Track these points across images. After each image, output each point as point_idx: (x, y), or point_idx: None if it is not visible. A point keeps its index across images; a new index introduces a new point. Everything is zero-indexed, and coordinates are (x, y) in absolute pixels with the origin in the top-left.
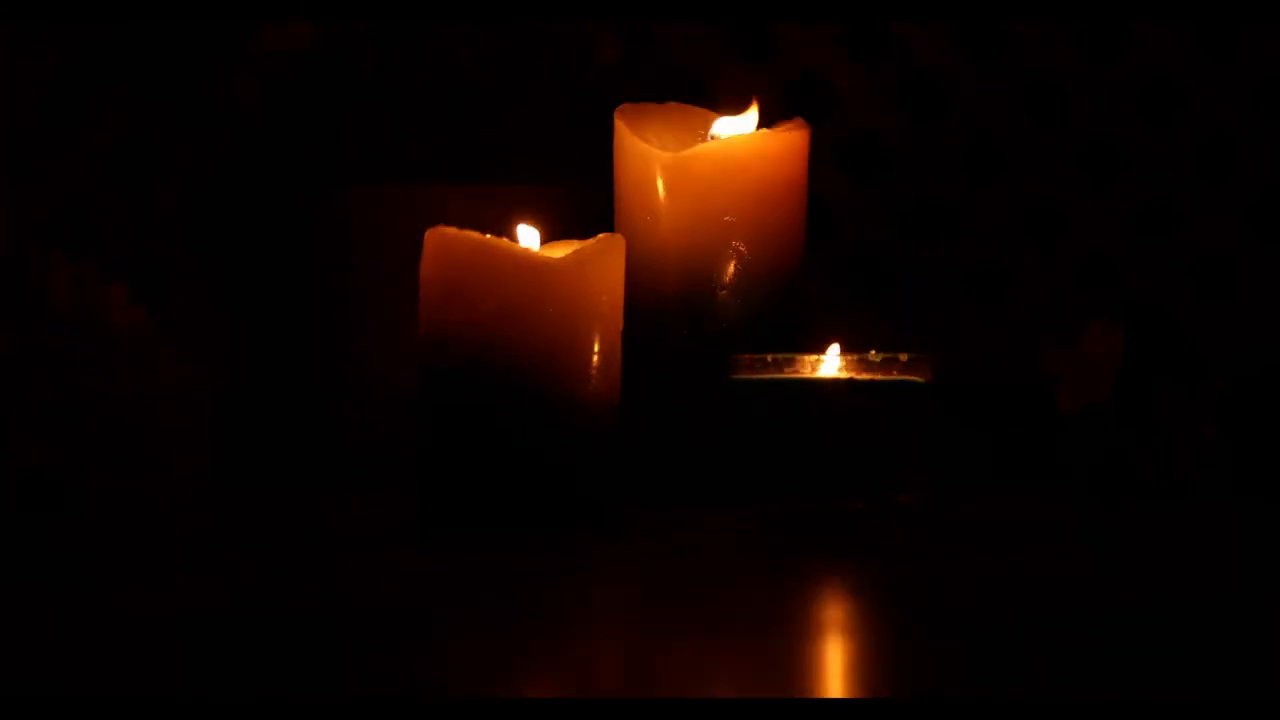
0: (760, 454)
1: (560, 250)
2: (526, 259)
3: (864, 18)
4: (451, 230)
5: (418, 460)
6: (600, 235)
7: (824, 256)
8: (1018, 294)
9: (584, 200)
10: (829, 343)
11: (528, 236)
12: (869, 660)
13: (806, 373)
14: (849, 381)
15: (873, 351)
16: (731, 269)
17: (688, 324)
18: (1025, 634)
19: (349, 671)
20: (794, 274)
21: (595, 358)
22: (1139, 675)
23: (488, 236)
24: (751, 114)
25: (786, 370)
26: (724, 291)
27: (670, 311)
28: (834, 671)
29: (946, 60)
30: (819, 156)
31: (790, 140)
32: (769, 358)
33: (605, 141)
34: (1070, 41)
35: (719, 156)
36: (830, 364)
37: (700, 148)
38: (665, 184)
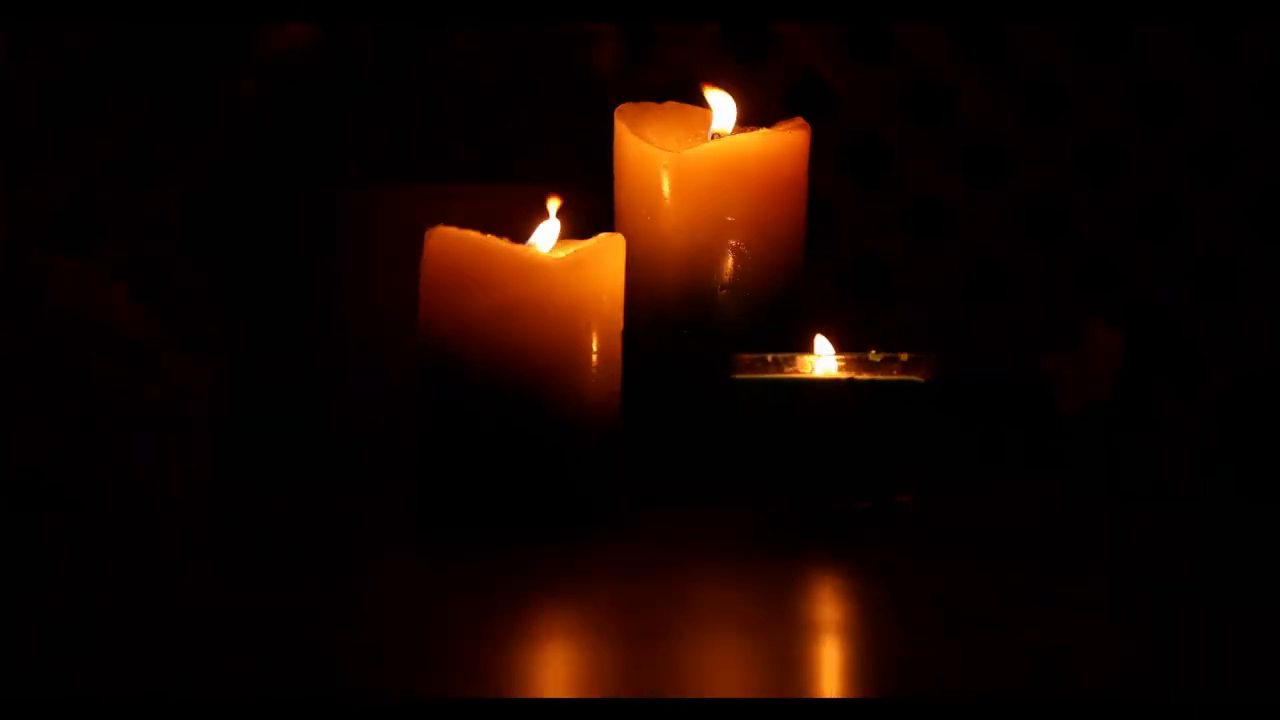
0: (760, 454)
1: (560, 250)
2: (526, 259)
3: (864, 18)
4: (451, 230)
5: (417, 460)
6: (600, 235)
7: (824, 256)
8: (1018, 294)
9: (584, 200)
10: (824, 338)
11: (551, 222)
12: (869, 660)
13: (806, 373)
14: (849, 381)
15: (873, 351)
16: (731, 269)
17: (688, 324)
18: (1024, 634)
19: (349, 671)
20: (794, 274)
21: (595, 358)
22: (1139, 675)
23: (488, 236)
24: (724, 109)
25: (787, 370)
26: (724, 291)
27: (670, 311)
28: (834, 671)
29: (947, 60)
30: (819, 156)
31: (790, 140)
32: (769, 358)
33: (605, 141)
34: (1070, 41)
35: (719, 156)
36: (823, 357)
37: (700, 148)
38: (666, 184)
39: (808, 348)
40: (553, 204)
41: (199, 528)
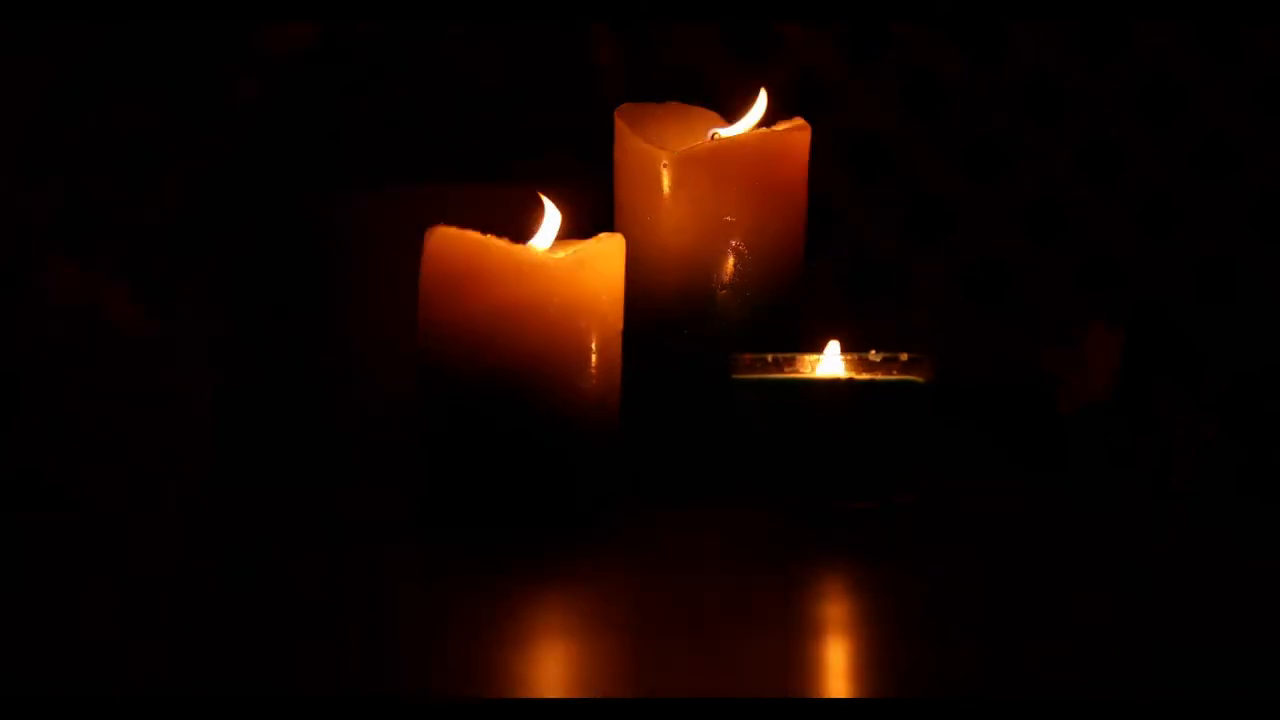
0: (760, 453)
1: (560, 250)
2: (526, 259)
3: (864, 18)
4: (451, 230)
5: (417, 460)
6: (600, 235)
7: (824, 256)
8: (1018, 294)
9: (584, 200)
10: (827, 340)
11: (550, 217)
12: (869, 660)
13: (806, 373)
14: (849, 381)
15: (873, 351)
16: (732, 269)
17: (688, 324)
18: (1025, 634)
19: (349, 671)
20: (794, 273)
21: (595, 358)
22: (1140, 675)
23: (488, 236)
24: (760, 105)
25: (786, 370)
26: (724, 291)
27: (670, 311)
28: (834, 671)
29: (946, 60)
30: (819, 156)
31: (790, 140)
32: (769, 357)
33: (605, 141)
34: (1070, 41)
35: (719, 156)
36: (830, 362)
37: (700, 147)
38: (666, 184)
39: (813, 349)
40: (546, 201)
41: (199, 528)
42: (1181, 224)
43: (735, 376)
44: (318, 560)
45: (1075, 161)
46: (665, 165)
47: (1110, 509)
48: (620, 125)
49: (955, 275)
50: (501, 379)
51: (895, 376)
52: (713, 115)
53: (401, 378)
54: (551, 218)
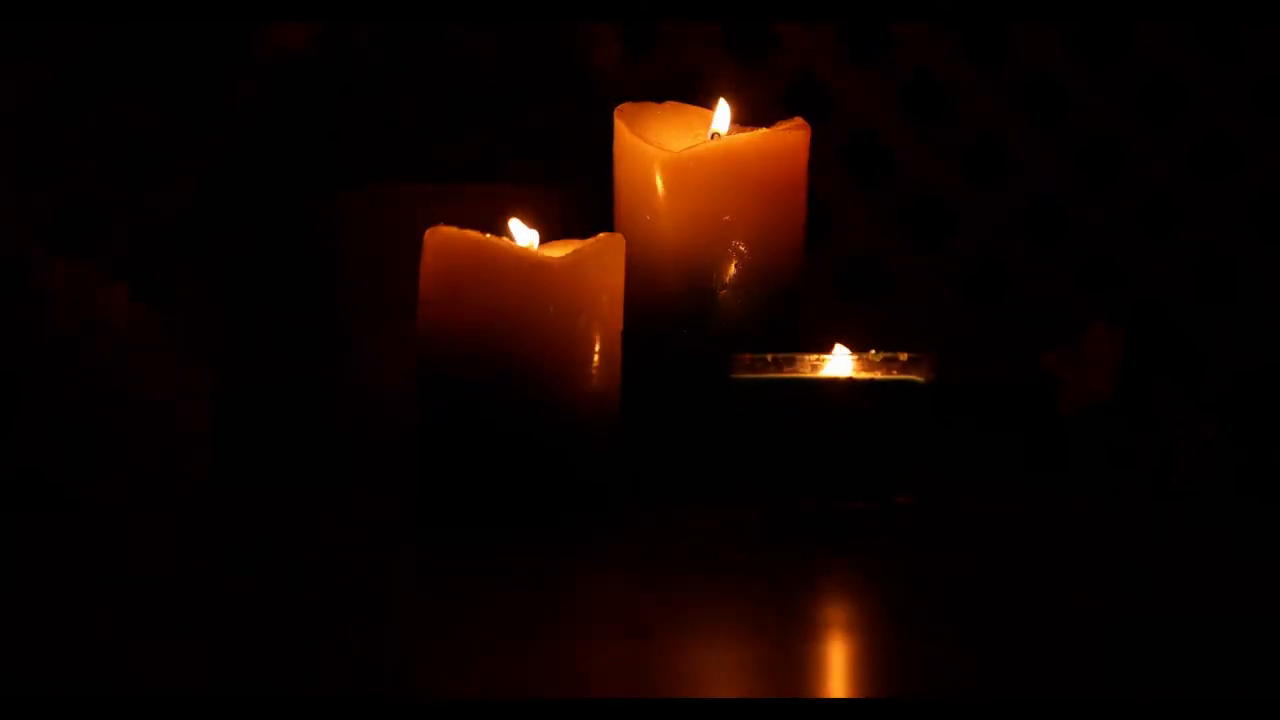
0: (760, 453)
1: (560, 250)
2: (526, 259)
3: (864, 18)
4: (451, 230)
5: (418, 460)
6: (600, 235)
7: (824, 256)
8: (1018, 294)
9: (584, 200)
10: (833, 344)
11: (522, 233)
12: (868, 660)
13: (806, 372)
14: (849, 381)
15: (873, 351)
16: (731, 269)
17: (688, 324)
18: (1025, 634)
19: (349, 671)
20: (794, 273)
21: (595, 357)
22: (1140, 675)
23: (488, 236)
24: (722, 111)
25: (786, 370)
26: (724, 291)
27: (670, 311)
28: (833, 671)
29: (946, 60)
30: (819, 156)
31: (790, 140)
32: (769, 357)
33: (605, 141)
34: (1070, 41)
35: (719, 156)
36: (837, 365)
37: (700, 147)
38: (665, 184)
39: (813, 349)
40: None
41: (199, 528)
42: (1181, 224)
43: (735, 376)
44: (318, 560)
45: (1075, 161)
46: (664, 165)
47: (1110, 509)
48: (619, 125)
49: (955, 275)
50: (501, 379)
51: (895, 376)
52: (712, 115)
53: (401, 378)
54: (522, 229)
